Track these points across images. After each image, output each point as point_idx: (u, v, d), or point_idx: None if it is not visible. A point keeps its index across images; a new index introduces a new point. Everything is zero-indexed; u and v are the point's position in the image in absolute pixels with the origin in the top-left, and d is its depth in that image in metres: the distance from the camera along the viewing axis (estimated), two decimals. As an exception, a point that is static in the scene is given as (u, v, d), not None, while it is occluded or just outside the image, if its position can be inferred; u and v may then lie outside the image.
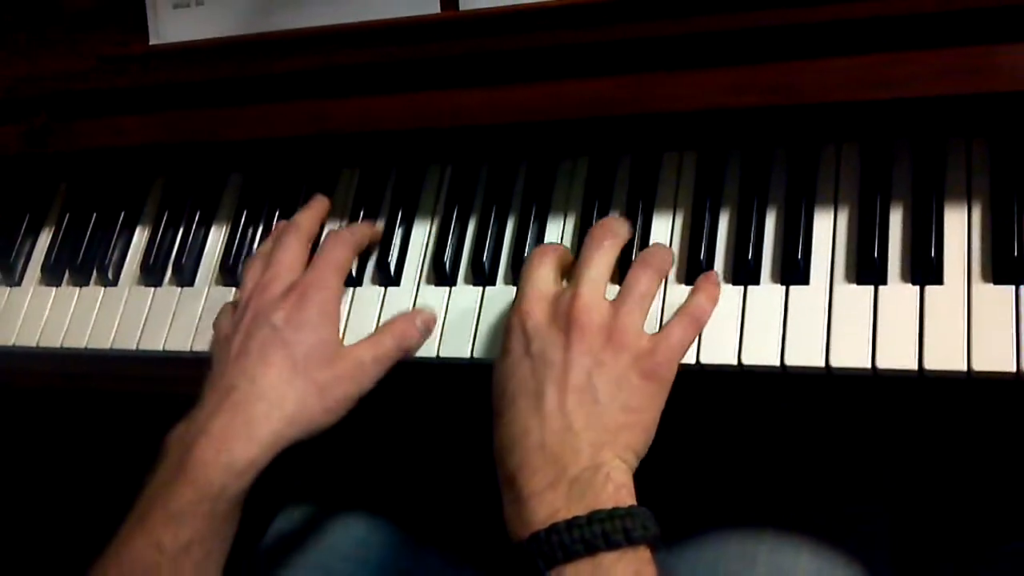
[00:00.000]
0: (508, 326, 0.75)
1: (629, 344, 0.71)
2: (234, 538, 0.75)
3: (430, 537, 0.95)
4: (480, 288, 0.84)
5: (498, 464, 0.72)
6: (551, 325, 0.73)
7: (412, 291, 0.86)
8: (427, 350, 0.83)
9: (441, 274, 0.85)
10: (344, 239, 0.85)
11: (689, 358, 0.75)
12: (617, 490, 0.66)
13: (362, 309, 0.86)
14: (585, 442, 0.68)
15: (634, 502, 0.67)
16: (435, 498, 0.98)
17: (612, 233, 0.78)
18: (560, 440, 0.68)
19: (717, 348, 0.75)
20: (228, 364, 0.78)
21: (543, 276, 0.76)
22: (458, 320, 0.83)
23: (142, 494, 0.74)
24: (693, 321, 0.74)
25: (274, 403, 0.75)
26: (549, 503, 0.66)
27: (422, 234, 0.89)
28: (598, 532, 0.63)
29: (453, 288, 0.85)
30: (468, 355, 0.82)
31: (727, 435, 0.91)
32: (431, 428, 1.03)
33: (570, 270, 0.78)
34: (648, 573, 0.64)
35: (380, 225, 0.90)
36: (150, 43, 0.92)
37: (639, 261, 0.77)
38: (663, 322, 0.76)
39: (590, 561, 0.63)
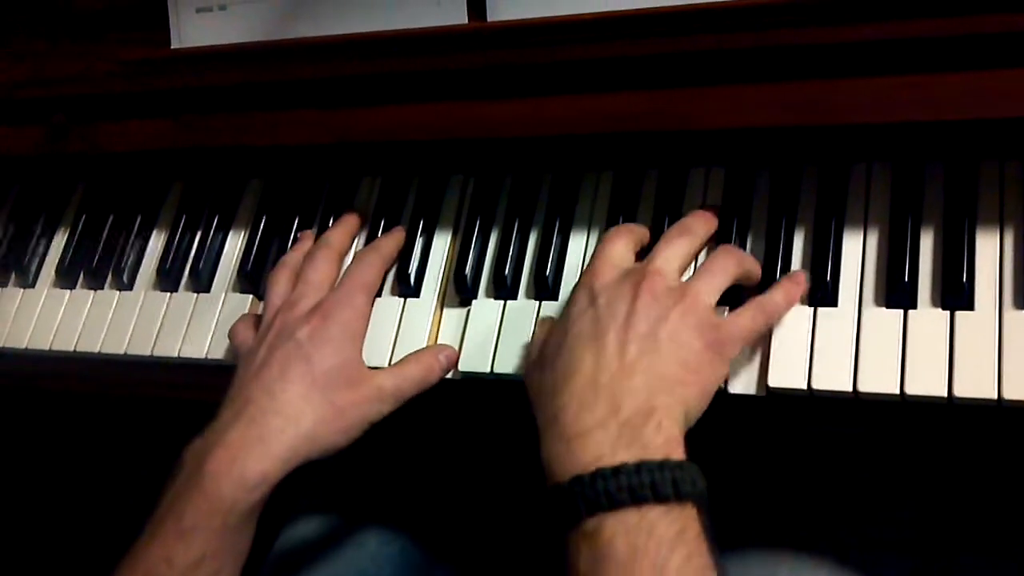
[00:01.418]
0: (574, 288, 0.74)
1: (698, 311, 0.70)
2: (247, 554, 0.74)
3: (444, 552, 0.94)
4: (502, 302, 0.83)
5: (538, 407, 0.69)
6: (621, 283, 0.72)
7: (432, 303, 0.85)
8: (447, 365, 0.82)
9: (462, 287, 0.85)
10: (373, 259, 0.84)
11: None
12: (668, 442, 0.64)
13: (381, 320, 0.85)
14: (641, 384, 0.66)
15: (683, 456, 0.64)
16: (449, 513, 0.97)
17: (696, 230, 0.77)
18: (615, 379, 0.66)
19: (743, 372, 0.74)
20: (248, 377, 0.77)
21: (618, 250, 0.76)
22: (479, 334, 0.82)
23: (158, 504, 0.73)
24: (763, 312, 0.72)
25: (290, 419, 0.74)
26: (597, 444, 0.63)
27: (443, 245, 0.88)
28: (646, 482, 0.60)
29: (474, 301, 0.84)
30: (488, 370, 0.81)
31: (750, 455, 0.90)
32: (446, 442, 1.02)
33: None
34: (693, 531, 0.61)
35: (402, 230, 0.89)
36: (172, 47, 0.91)
37: (723, 248, 0.76)
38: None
39: (635, 512, 0.60)
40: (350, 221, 0.90)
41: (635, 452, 0.63)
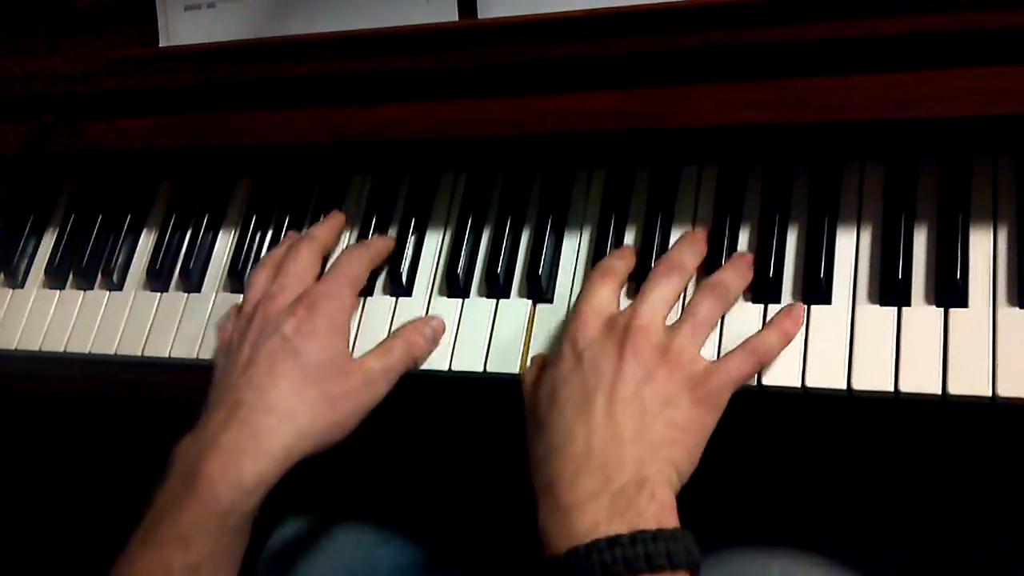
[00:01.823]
0: (560, 339, 0.74)
1: (683, 366, 0.70)
2: (244, 554, 0.74)
3: (438, 552, 0.94)
4: (494, 300, 0.83)
5: (534, 474, 0.70)
6: (606, 338, 0.72)
7: (424, 302, 0.85)
8: (439, 363, 0.82)
9: (454, 285, 0.84)
10: (359, 254, 0.83)
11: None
12: (661, 509, 0.64)
13: (373, 319, 0.85)
14: (630, 455, 0.66)
15: (677, 523, 0.65)
16: (444, 512, 0.97)
17: (682, 263, 0.76)
18: (606, 449, 0.67)
19: (736, 368, 0.74)
20: (235, 374, 0.77)
21: (603, 296, 0.75)
22: (471, 332, 0.82)
23: (150, 507, 0.72)
24: (753, 355, 0.72)
25: (283, 417, 0.73)
26: (591, 515, 0.64)
27: (435, 244, 0.88)
28: (641, 553, 0.61)
29: (466, 300, 0.84)
30: (481, 368, 0.80)
31: (743, 453, 0.89)
32: (440, 440, 1.01)
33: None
34: None
35: (392, 235, 0.89)
36: (160, 45, 0.91)
37: (705, 285, 0.75)
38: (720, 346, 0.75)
39: None
40: (336, 219, 0.89)
41: (629, 522, 0.63)
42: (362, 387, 0.77)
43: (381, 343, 0.81)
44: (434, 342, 0.81)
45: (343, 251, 0.85)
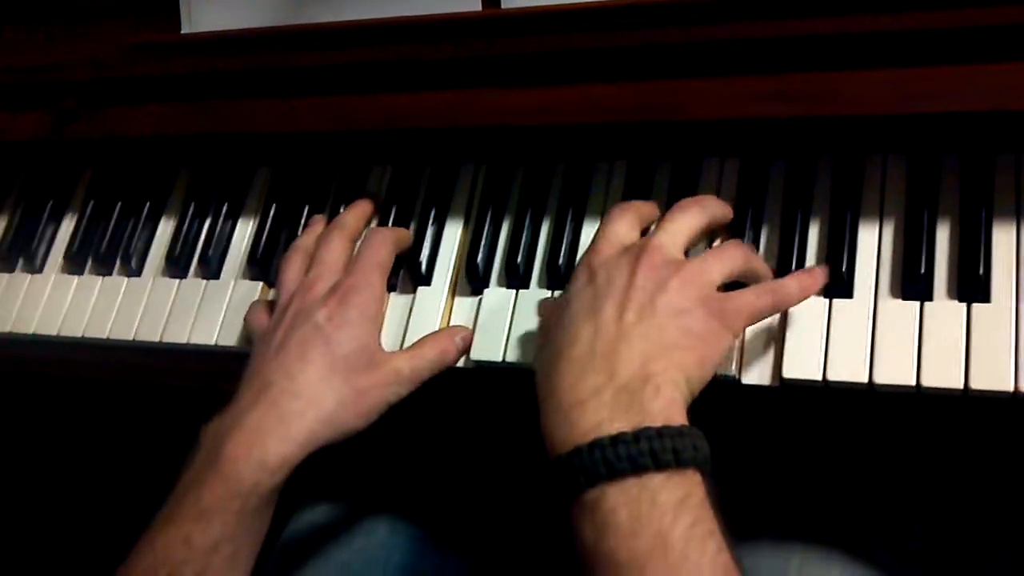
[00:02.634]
0: (576, 267, 0.73)
1: (699, 284, 0.68)
2: (264, 537, 0.74)
3: (453, 541, 0.94)
4: (514, 291, 0.83)
5: (539, 380, 0.68)
6: (619, 257, 0.71)
7: (443, 292, 0.85)
8: (459, 353, 0.82)
9: (474, 275, 0.84)
10: (386, 237, 0.84)
11: (725, 369, 0.73)
12: (667, 406, 0.63)
13: (392, 308, 0.85)
14: (637, 351, 0.65)
15: (685, 421, 0.63)
16: (459, 502, 0.97)
17: (707, 206, 0.75)
18: (612, 346, 0.65)
19: (756, 363, 0.74)
20: (266, 360, 0.77)
21: (621, 229, 0.74)
22: (490, 323, 0.82)
23: (175, 486, 0.73)
24: (772, 294, 0.70)
25: (311, 402, 0.74)
26: (593, 412, 0.62)
27: (454, 234, 0.88)
28: (645, 450, 0.59)
29: (486, 290, 0.84)
30: (500, 359, 0.80)
31: (763, 447, 0.89)
32: (456, 430, 1.01)
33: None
34: (697, 496, 0.60)
35: (412, 225, 0.89)
36: (182, 31, 0.91)
37: (734, 241, 0.74)
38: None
39: (636, 481, 0.59)
40: (363, 206, 0.89)
41: (633, 419, 0.61)
42: (388, 384, 0.77)
43: (414, 345, 0.81)
44: (463, 352, 0.81)
45: (368, 235, 0.85)
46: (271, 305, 0.84)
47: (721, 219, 0.76)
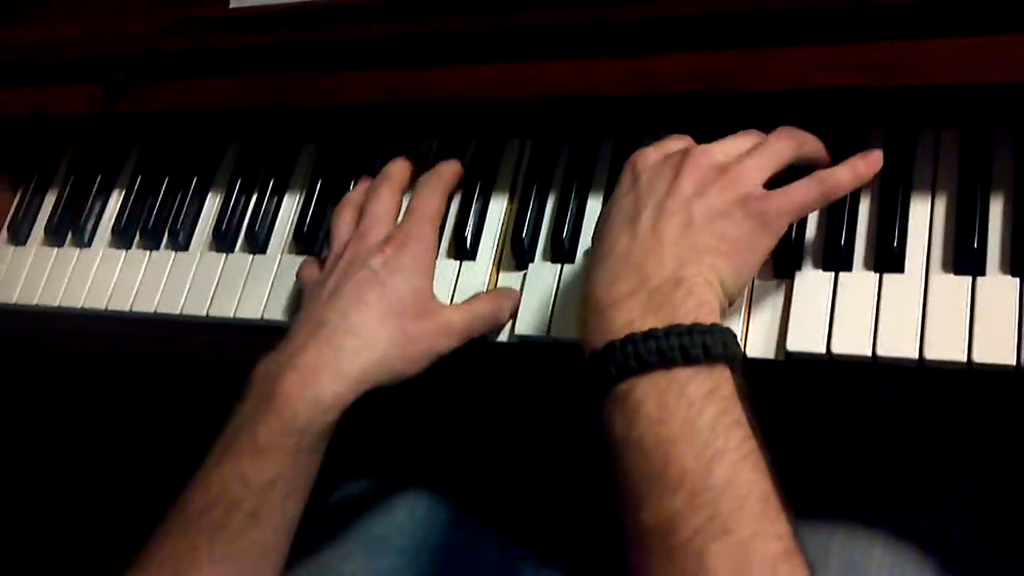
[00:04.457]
0: (621, 170, 0.74)
1: (741, 184, 0.68)
2: (316, 478, 0.75)
3: (493, 519, 0.94)
4: (559, 266, 0.82)
5: (582, 288, 0.71)
6: (664, 163, 0.71)
7: (488, 266, 0.85)
8: (503, 329, 0.82)
9: (519, 250, 0.84)
10: (435, 187, 0.85)
11: (772, 348, 0.73)
12: (699, 306, 0.64)
13: (436, 281, 0.83)
14: (670, 256, 0.66)
15: (717, 320, 0.65)
16: (499, 480, 0.97)
17: (761, 135, 0.74)
18: (646, 252, 0.67)
19: (805, 335, 0.72)
20: (320, 302, 0.78)
21: (673, 143, 0.74)
22: (535, 298, 0.82)
23: (227, 425, 0.73)
24: (822, 184, 0.70)
25: (365, 341, 0.75)
26: (626, 311, 0.64)
27: (500, 208, 0.88)
28: (675, 345, 0.61)
29: (531, 265, 0.83)
30: (545, 334, 0.80)
31: (802, 426, 0.88)
32: (500, 408, 1.01)
33: None
34: (725, 390, 0.61)
35: (457, 199, 0.89)
36: (230, 6, 0.91)
37: (785, 128, 0.73)
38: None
39: (664, 374, 0.61)
40: (405, 160, 0.89)
41: (664, 317, 0.63)
42: (439, 333, 0.78)
43: (468, 300, 0.82)
44: (511, 315, 0.82)
45: (418, 184, 0.86)
46: (322, 263, 0.85)
47: (786, 154, 0.73)
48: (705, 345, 0.61)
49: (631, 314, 0.64)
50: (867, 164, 0.72)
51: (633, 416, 0.61)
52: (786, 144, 0.72)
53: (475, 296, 0.82)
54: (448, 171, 0.87)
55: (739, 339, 0.68)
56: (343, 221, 0.85)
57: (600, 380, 0.63)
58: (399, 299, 0.77)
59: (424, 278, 0.80)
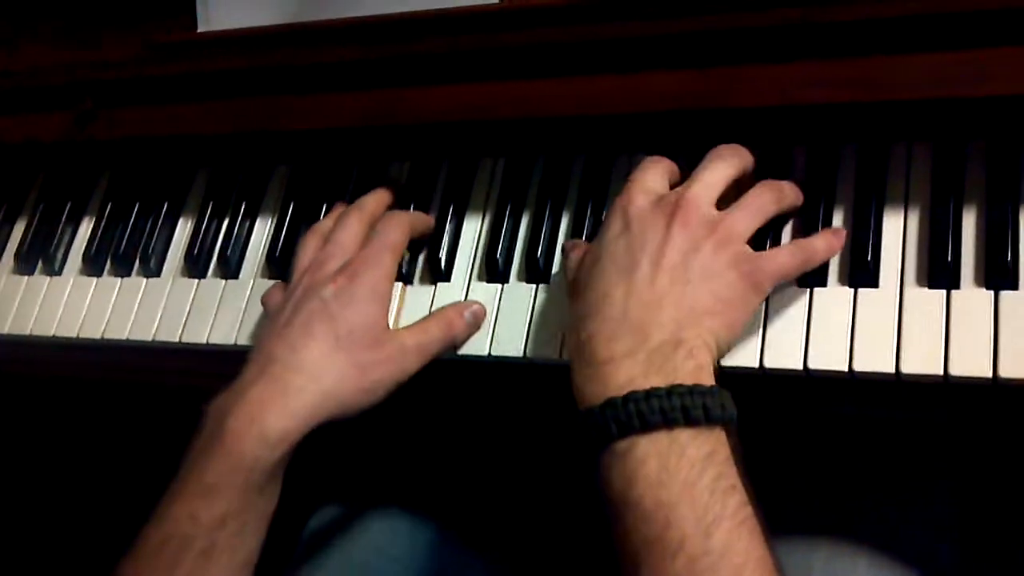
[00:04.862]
0: (608, 213, 0.74)
1: (732, 243, 0.70)
2: (272, 515, 0.74)
3: (474, 538, 0.93)
4: (534, 286, 0.82)
5: (570, 333, 0.71)
6: (654, 211, 0.71)
7: (463, 287, 0.85)
8: (478, 348, 0.81)
9: (493, 270, 0.84)
10: (400, 220, 0.84)
11: (751, 361, 0.73)
12: (698, 368, 0.65)
13: (412, 305, 0.84)
14: (669, 317, 0.67)
15: (713, 382, 0.65)
16: (480, 499, 0.96)
17: (738, 154, 0.75)
18: (645, 311, 0.67)
19: (782, 352, 0.73)
20: (272, 335, 0.78)
21: (651, 177, 0.75)
22: (510, 318, 0.81)
23: (181, 463, 0.73)
24: (802, 252, 0.72)
25: (312, 376, 0.74)
26: (627, 369, 0.65)
27: (474, 229, 0.87)
28: (677, 405, 0.62)
29: (505, 285, 0.83)
30: (521, 354, 0.80)
31: (783, 440, 0.88)
32: (478, 428, 1.01)
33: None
34: (722, 454, 0.62)
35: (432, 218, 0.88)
36: (199, 30, 0.91)
37: (764, 183, 0.75)
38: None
39: (666, 434, 0.62)
40: (383, 192, 0.89)
41: (665, 376, 0.64)
42: (393, 359, 0.77)
43: (420, 320, 0.81)
44: (474, 326, 0.81)
45: (384, 218, 0.85)
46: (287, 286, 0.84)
47: (748, 168, 0.76)
48: (706, 407, 0.62)
49: (632, 371, 0.65)
50: (838, 239, 0.74)
51: (633, 476, 0.61)
52: (769, 198, 0.73)
53: (429, 315, 0.82)
54: (418, 216, 0.87)
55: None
56: (306, 249, 0.84)
57: (599, 436, 0.63)
58: (348, 331, 0.76)
59: (377, 308, 0.79)
